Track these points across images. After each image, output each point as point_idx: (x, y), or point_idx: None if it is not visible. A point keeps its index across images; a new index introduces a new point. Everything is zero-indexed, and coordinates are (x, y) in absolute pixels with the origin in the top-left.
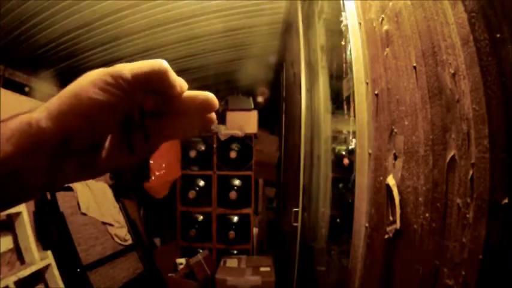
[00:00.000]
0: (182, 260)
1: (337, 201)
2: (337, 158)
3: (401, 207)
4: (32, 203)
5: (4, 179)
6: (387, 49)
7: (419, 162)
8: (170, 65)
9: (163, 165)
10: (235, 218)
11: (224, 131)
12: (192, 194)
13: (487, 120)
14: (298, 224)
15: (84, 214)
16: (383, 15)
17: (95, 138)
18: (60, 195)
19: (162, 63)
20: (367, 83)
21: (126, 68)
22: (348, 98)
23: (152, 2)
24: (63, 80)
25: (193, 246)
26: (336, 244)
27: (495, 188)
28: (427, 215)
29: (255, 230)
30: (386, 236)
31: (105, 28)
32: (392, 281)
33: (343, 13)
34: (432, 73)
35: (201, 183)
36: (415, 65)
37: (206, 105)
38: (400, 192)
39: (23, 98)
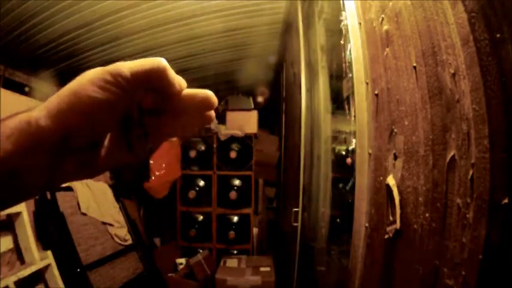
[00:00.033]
0: (182, 260)
1: (337, 201)
2: (337, 158)
3: (402, 207)
4: (32, 203)
5: (3, 178)
6: (387, 49)
7: (419, 162)
8: (170, 65)
9: (163, 165)
10: (235, 218)
11: (224, 131)
12: (192, 194)
13: (487, 120)
14: (298, 224)
15: (84, 214)
16: (383, 15)
17: (94, 137)
18: (60, 195)
19: (160, 61)
20: (367, 83)
21: (125, 66)
22: (348, 98)
23: (152, 2)
24: (63, 80)
25: (193, 246)
26: (336, 244)
27: (495, 188)
28: (427, 215)
29: (255, 230)
30: (386, 236)
31: (105, 28)
32: (392, 281)
33: (343, 13)
34: (432, 73)
35: (201, 183)
36: (415, 65)
37: (205, 103)
38: (400, 192)
39: (23, 98)
